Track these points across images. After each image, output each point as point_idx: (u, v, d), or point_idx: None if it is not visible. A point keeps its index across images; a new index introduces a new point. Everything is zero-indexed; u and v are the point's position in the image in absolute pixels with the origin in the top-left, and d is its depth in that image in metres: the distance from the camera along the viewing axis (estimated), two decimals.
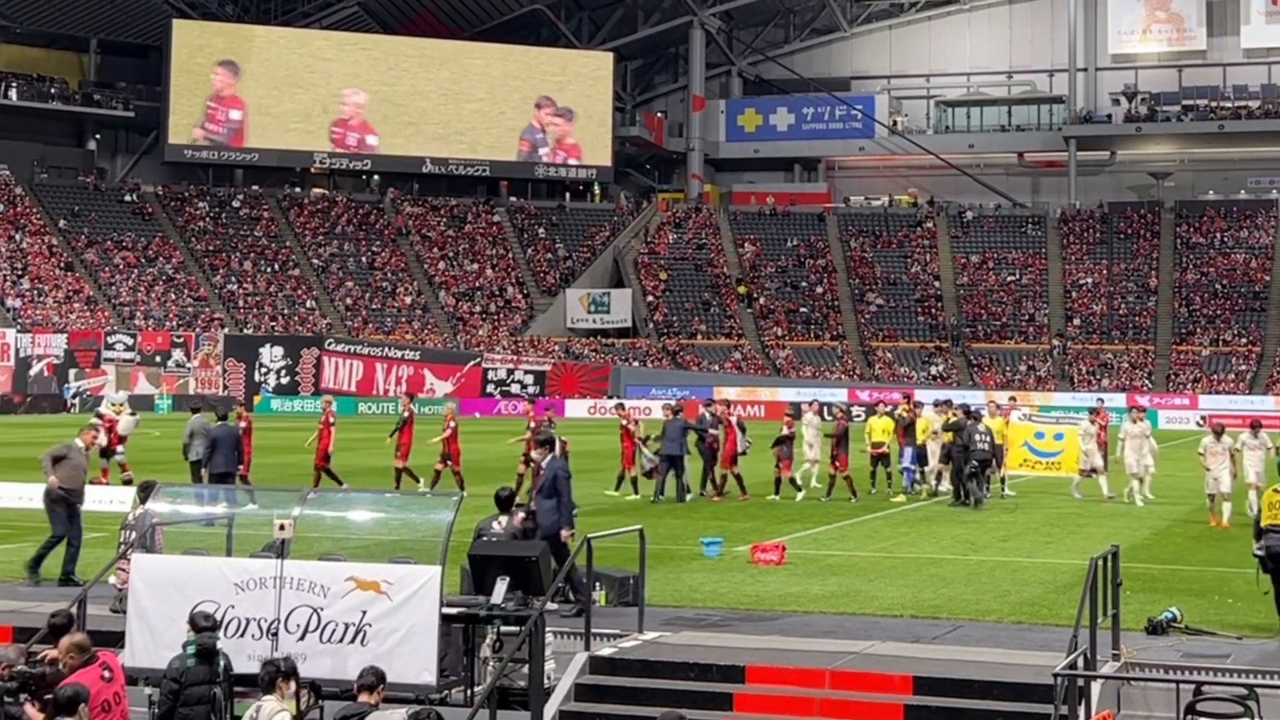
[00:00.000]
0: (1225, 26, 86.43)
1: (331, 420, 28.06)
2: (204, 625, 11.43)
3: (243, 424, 25.55)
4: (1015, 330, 78.27)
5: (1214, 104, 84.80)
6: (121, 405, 29.25)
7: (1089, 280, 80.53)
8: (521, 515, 15.04)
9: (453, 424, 28.05)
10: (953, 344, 77.51)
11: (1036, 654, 13.38)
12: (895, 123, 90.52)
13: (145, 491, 14.75)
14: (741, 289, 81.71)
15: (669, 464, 27.72)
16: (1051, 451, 29.59)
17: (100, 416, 28.78)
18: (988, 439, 26.84)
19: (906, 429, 28.38)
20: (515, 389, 72.19)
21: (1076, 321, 78.24)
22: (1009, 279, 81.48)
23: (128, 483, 26.30)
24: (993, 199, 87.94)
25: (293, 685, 10.38)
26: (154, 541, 13.64)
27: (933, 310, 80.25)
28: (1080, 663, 11.92)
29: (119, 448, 28.24)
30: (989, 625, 15.09)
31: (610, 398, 66.58)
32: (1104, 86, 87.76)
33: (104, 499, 24.58)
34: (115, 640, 12.73)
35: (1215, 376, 72.72)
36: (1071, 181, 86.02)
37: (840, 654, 13.47)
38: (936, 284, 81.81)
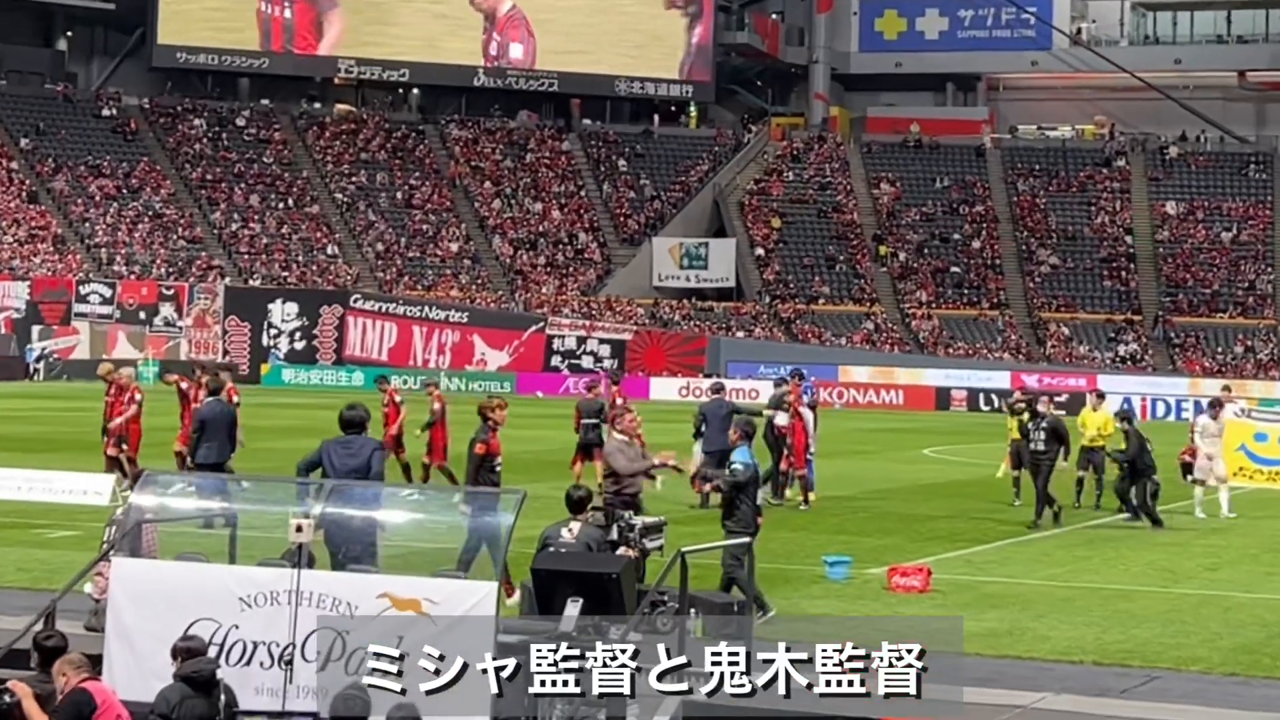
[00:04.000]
0: None
1: (398, 399, 28.51)
2: (189, 650, 11.56)
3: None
4: (1230, 301, 77.42)
5: None
6: None
7: None
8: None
9: (438, 406, 27.92)
10: (1148, 318, 76.78)
11: (1256, 714, 13.37)
12: (1079, 30, 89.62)
13: (136, 481, 14.97)
14: (883, 250, 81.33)
15: (716, 461, 26.97)
16: (1275, 458, 29.32)
17: None
18: (1041, 438, 26.51)
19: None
20: (587, 363, 72.34)
21: None
22: (1224, 235, 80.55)
23: None
24: (1205, 130, 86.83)
25: None
26: (140, 543, 13.81)
27: (1123, 273, 79.53)
28: None
29: None
30: (1194, 677, 15.06)
31: (707, 376, 66.54)
32: None
33: (76, 489, 24.94)
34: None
35: None
36: None
37: (1003, 708, 13.46)
38: (1128, 240, 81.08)
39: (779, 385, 29.98)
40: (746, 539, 15.98)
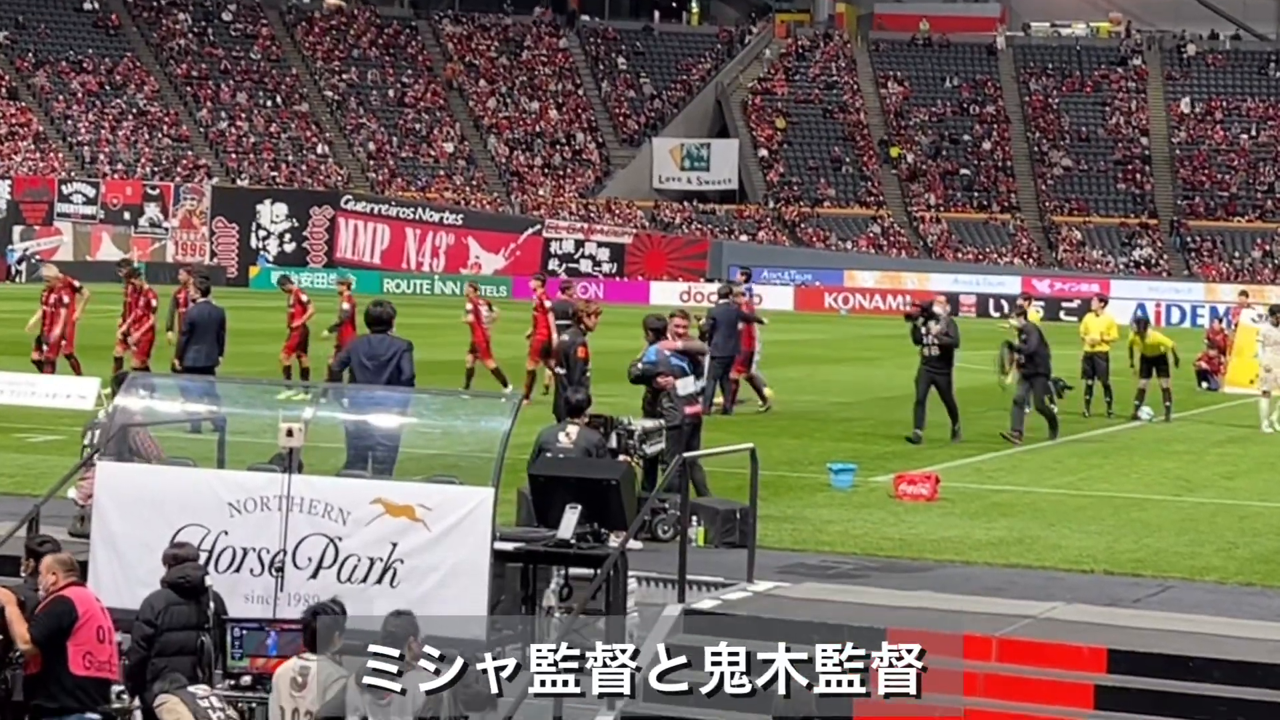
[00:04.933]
0: None
1: (304, 299, 28.58)
2: (177, 558, 11.58)
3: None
4: (1248, 204, 77.26)
5: None
6: None
7: None
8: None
9: (348, 306, 27.89)
10: (1164, 222, 76.59)
11: (1271, 625, 13.35)
12: None
13: (120, 384, 14.95)
14: (895, 151, 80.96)
15: (724, 366, 26.59)
16: None
17: None
18: (935, 342, 25.64)
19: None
20: (585, 266, 72.32)
21: None
22: (1242, 136, 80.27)
23: None
24: (1224, 28, 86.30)
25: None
26: (127, 446, 13.80)
27: (1138, 176, 79.32)
28: None
29: None
30: (1208, 586, 15.09)
31: (710, 280, 66.45)
32: None
33: (59, 392, 24.96)
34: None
35: None
36: None
37: (1011, 618, 13.46)
38: (1144, 141, 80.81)
39: (729, 285, 29.63)
40: (750, 445, 15.89)
